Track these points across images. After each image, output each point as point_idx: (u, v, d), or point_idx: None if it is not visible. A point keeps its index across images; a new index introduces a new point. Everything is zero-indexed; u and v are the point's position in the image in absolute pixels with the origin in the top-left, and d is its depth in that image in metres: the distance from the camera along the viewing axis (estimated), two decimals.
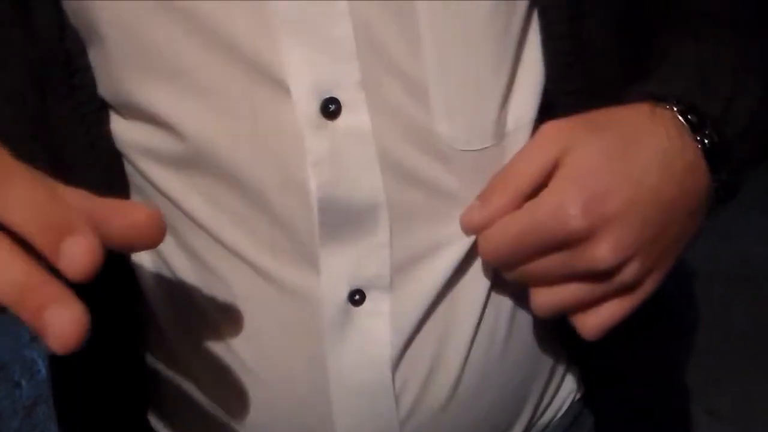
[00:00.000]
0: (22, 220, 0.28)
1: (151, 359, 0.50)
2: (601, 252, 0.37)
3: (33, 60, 0.41)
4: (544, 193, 0.38)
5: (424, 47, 0.38)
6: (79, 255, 0.27)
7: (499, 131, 0.41)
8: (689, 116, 0.40)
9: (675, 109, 0.40)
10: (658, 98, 0.41)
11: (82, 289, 0.43)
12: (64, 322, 0.27)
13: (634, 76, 0.44)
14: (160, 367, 0.49)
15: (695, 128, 0.40)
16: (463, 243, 0.42)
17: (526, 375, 0.47)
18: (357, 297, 0.41)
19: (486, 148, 0.41)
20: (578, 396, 0.53)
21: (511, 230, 0.39)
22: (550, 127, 0.39)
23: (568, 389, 0.52)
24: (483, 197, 0.40)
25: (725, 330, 1.54)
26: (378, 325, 0.42)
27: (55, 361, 0.55)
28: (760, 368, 1.48)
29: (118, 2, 0.38)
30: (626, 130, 0.39)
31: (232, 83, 0.38)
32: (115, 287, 0.45)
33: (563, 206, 0.37)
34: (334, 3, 0.37)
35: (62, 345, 0.27)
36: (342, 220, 0.40)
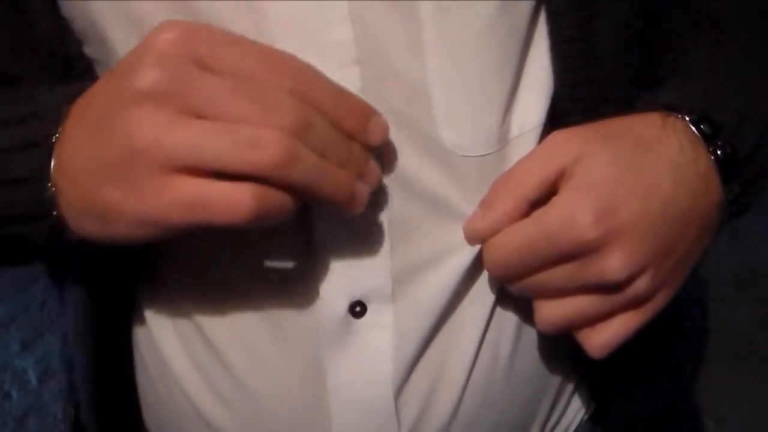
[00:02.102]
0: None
1: (143, 371, 0.49)
2: (613, 264, 0.36)
3: (34, 62, 0.40)
4: (555, 202, 0.37)
5: (427, 51, 0.37)
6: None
7: (503, 137, 0.40)
8: (702, 126, 0.39)
9: (687, 119, 0.39)
10: (670, 108, 0.40)
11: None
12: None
13: (645, 84, 0.43)
14: (153, 378, 0.48)
15: (708, 139, 0.39)
16: (466, 253, 0.41)
17: (533, 394, 0.46)
18: (358, 309, 0.40)
19: (489, 154, 0.40)
20: (587, 415, 0.52)
21: (518, 239, 0.37)
22: (560, 135, 0.38)
23: (576, 408, 0.51)
24: (485, 204, 0.39)
25: (731, 335, 1.54)
26: (380, 339, 0.41)
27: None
28: (767, 374, 1.47)
29: (123, 3, 0.37)
30: (638, 140, 0.38)
31: None
32: (105, 286, 0.46)
33: (575, 215, 0.36)
34: (334, 6, 0.36)
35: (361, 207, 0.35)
36: (339, 228, 0.39)
